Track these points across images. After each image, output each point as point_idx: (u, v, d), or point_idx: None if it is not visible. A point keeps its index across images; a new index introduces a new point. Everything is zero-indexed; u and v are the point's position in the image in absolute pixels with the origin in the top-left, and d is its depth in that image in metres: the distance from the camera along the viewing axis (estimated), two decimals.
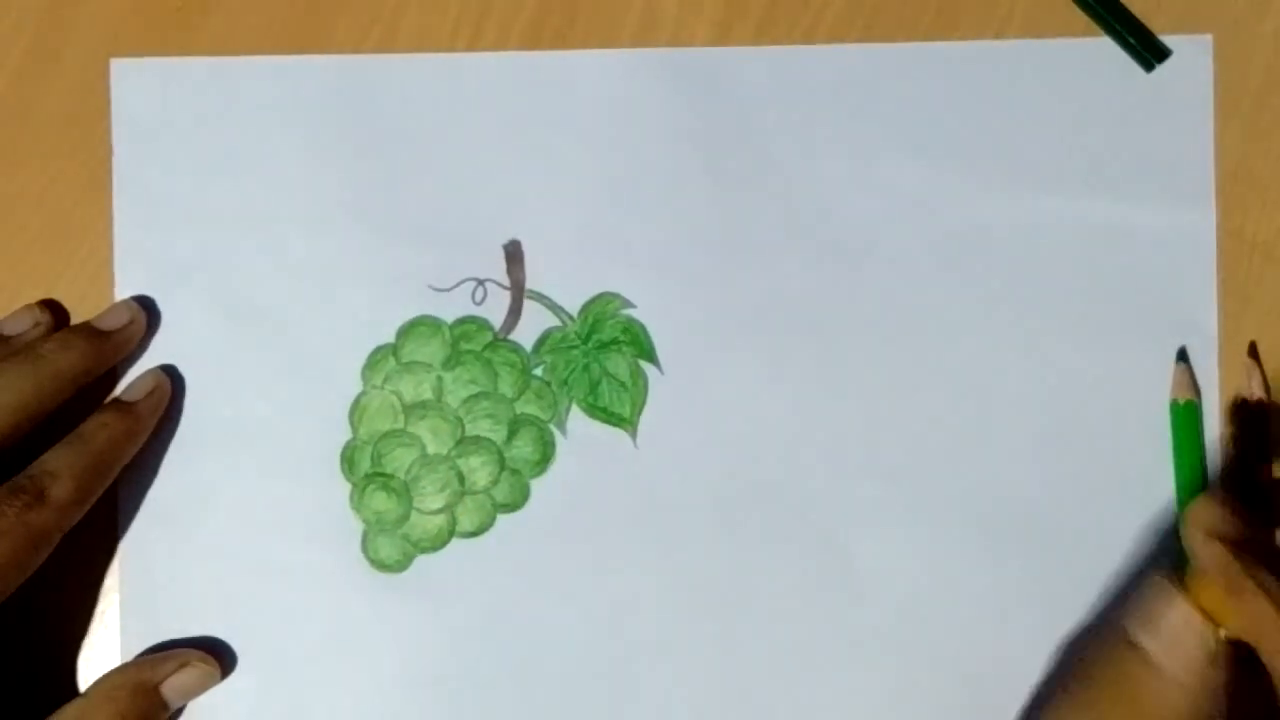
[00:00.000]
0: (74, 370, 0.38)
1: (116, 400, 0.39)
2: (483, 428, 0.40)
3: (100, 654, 0.40)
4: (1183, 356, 0.40)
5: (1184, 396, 0.40)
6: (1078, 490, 0.40)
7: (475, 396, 0.40)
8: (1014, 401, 0.40)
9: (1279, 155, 0.41)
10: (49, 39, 0.41)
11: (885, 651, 0.40)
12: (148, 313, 0.40)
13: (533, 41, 0.41)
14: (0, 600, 0.35)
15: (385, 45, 0.41)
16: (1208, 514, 0.35)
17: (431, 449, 0.40)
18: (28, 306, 0.40)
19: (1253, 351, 0.40)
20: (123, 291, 0.40)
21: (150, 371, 0.40)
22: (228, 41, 0.41)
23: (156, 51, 0.41)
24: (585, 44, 0.41)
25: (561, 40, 0.41)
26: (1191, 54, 0.40)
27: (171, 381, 0.40)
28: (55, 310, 0.40)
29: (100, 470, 0.38)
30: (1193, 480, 0.39)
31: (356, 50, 0.41)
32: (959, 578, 0.40)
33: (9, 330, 0.39)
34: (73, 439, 0.38)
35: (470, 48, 0.41)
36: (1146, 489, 0.40)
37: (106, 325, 0.39)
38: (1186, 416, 0.40)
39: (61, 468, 0.37)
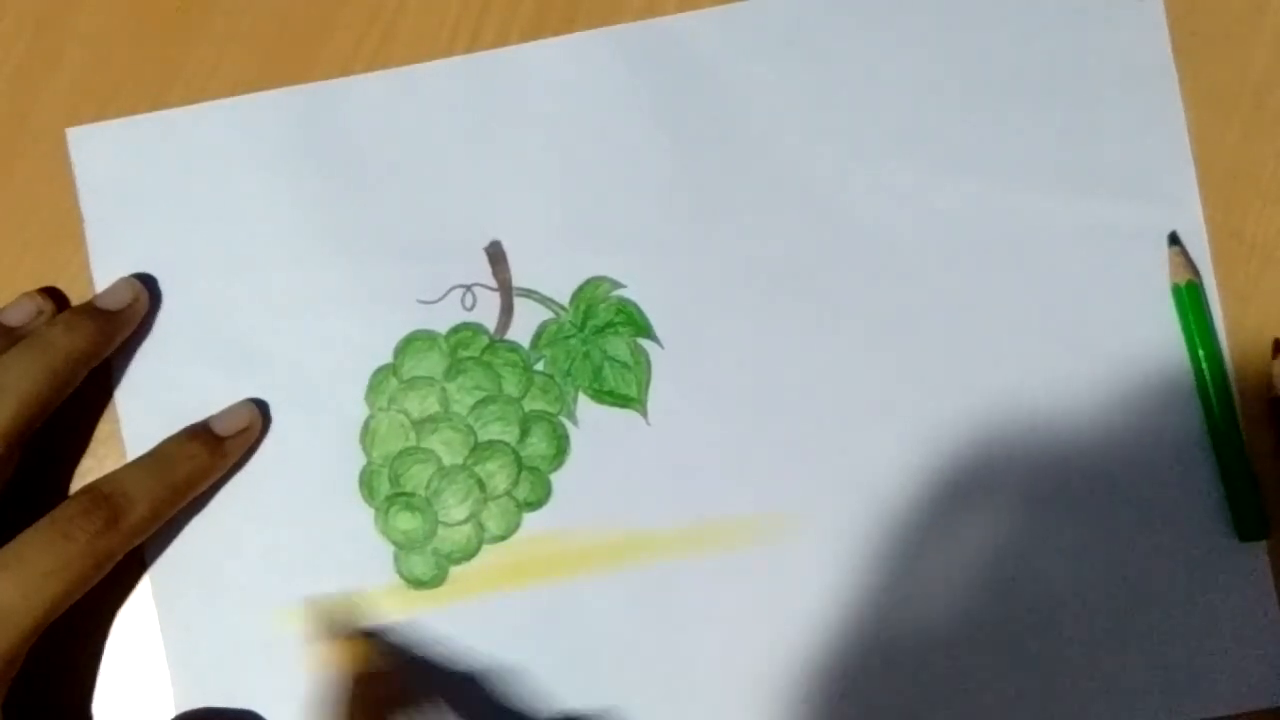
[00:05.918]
0: (85, 354, 0.37)
1: (208, 429, 0.39)
2: (494, 431, 0.40)
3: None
4: (1175, 240, 0.40)
5: (1183, 279, 0.39)
6: (1094, 392, 0.40)
7: (482, 401, 0.40)
8: (1013, 319, 0.40)
9: (1279, 155, 0.40)
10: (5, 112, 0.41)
11: (933, 576, 0.39)
12: (149, 290, 0.40)
13: (534, 37, 0.41)
14: (53, 619, 0.35)
15: (383, 49, 0.41)
16: None
17: (447, 461, 0.40)
18: (28, 294, 0.39)
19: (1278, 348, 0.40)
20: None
21: (246, 405, 0.39)
22: (220, 68, 0.41)
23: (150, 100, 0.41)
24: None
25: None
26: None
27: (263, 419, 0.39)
28: (55, 297, 0.40)
29: (175, 501, 0.38)
30: (1209, 357, 0.39)
31: (354, 56, 0.41)
32: (988, 498, 0.39)
33: (11, 320, 0.39)
34: (155, 461, 0.37)
35: (471, 46, 0.41)
36: (1161, 375, 0.40)
37: (110, 304, 0.39)
38: (1190, 298, 0.39)
39: (140, 493, 0.36)
